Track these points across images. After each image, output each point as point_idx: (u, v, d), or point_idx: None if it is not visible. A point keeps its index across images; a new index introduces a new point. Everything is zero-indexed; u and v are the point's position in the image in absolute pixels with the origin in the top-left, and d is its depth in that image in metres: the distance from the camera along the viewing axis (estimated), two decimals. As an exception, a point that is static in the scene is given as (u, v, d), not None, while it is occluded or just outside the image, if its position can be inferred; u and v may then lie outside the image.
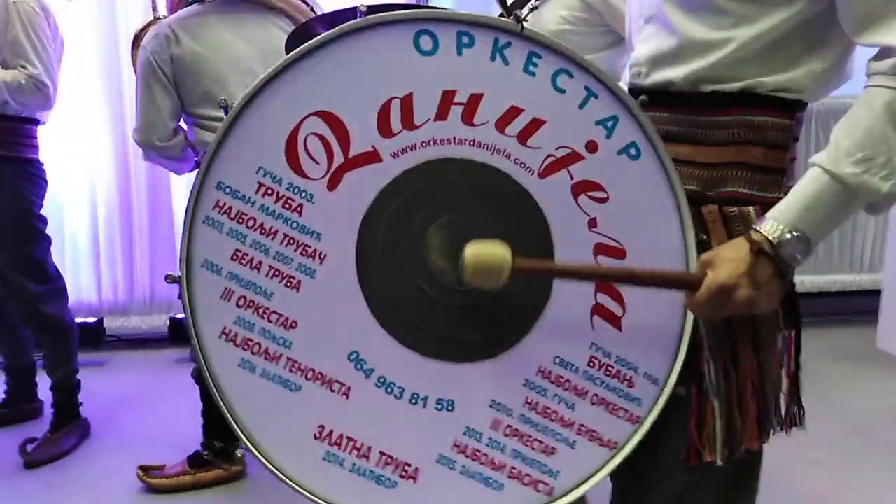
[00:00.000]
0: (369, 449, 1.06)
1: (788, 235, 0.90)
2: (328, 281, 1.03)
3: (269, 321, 1.04)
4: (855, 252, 4.17)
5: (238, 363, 1.04)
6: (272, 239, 1.03)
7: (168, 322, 3.91)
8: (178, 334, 3.87)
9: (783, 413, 1.06)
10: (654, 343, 1.04)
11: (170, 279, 1.03)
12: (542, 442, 1.06)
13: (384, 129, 1.00)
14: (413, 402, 1.06)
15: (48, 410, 2.88)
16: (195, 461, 2.53)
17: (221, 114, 1.05)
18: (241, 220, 1.02)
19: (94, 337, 3.83)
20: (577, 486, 1.07)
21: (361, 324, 1.04)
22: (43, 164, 2.79)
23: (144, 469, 2.50)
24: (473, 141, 1.00)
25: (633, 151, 1.01)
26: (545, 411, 1.06)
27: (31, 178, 2.73)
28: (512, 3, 2.00)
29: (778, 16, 0.95)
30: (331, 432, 1.06)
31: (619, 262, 1.02)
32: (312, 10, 2.44)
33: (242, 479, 2.52)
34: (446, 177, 1.01)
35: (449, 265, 1.01)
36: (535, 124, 1.00)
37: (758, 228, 0.92)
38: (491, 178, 1.01)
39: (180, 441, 2.64)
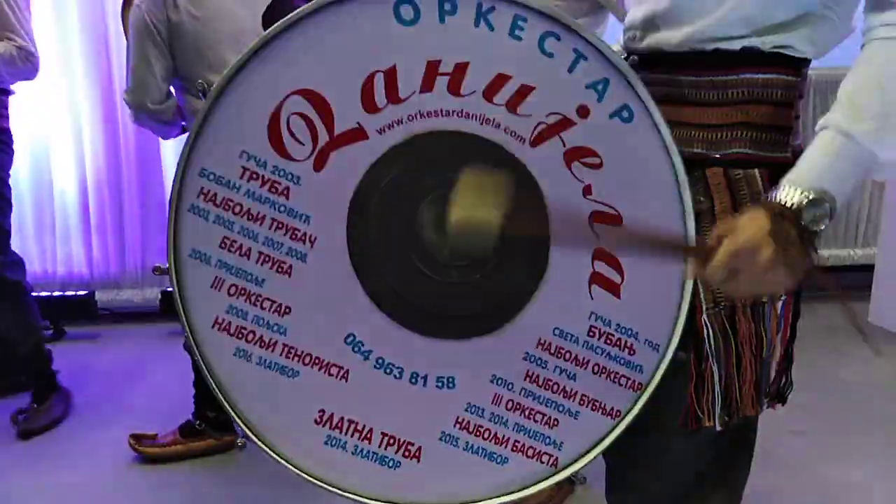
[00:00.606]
0: (371, 431, 1.06)
1: (809, 198, 0.86)
2: (320, 264, 1.01)
3: (262, 308, 1.02)
4: (849, 227, 4.14)
5: (233, 353, 1.03)
6: (260, 224, 1.00)
7: (160, 295, 3.88)
8: (170, 307, 3.78)
9: (770, 383, 1.04)
10: (654, 309, 1.03)
11: (158, 271, 1.01)
12: (544, 414, 1.06)
13: (369, 105, 0.97)
14: (413, 381, 1.04)
15: None
16: (187, 430, 2.54)
17: (215, 79, 1.01)
18: (227, 207, 1.00)
19: (87, 310, 3.80)
20: (582, 455, 1.06)
21: (356, 305, 1.02)
22: (12, 134, 2.71)
23: (137, 438, 2.51)
24: (462, 112, 0.97)
25: (625, 114, 0.97)
26: (546, 383, 1.05)
27: (1, 148, 2.66)
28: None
29: None
30: (331, 416, 1.05)
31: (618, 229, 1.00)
32: None
33: (234, 449, 2.55)
34: (436, 151, 0.98)
35: (443, 241, 0.99)
36: (525, 91, 0.96)
37: (774, 196, 0.88)
38: (482, 150, 0.98)
39: (173, 413, 2.64)
